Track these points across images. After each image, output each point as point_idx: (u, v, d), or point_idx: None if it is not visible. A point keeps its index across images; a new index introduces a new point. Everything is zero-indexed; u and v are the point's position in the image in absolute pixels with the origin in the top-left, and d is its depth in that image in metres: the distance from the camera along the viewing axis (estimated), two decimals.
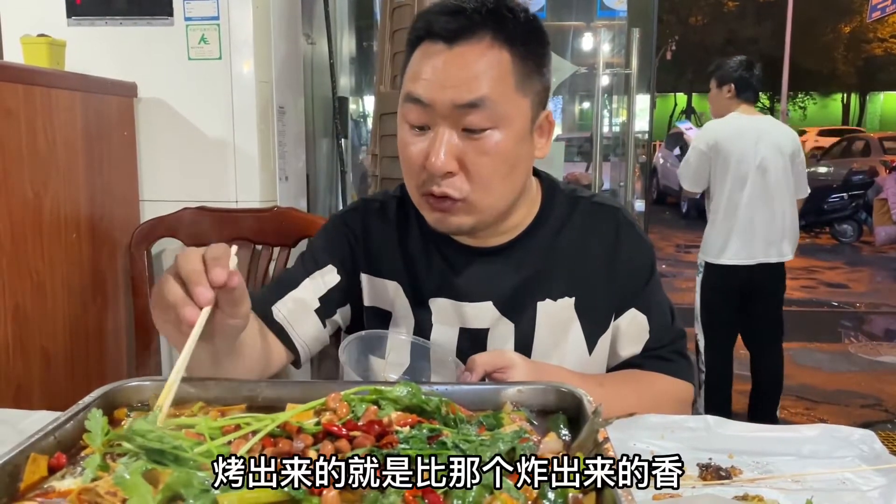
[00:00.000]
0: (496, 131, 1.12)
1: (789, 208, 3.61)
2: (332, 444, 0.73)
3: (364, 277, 1.34)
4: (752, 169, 3.50)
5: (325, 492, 0.65)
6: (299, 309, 1.28)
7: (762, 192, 3.53)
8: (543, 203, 1.30)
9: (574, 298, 1.27)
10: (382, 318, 1.33)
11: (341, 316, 1.35)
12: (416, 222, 1.30)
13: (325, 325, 1.31)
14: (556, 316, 1.27)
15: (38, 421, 1.00)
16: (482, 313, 1.27)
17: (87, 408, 0.84)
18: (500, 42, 1.12)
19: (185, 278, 0.87)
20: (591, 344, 1.29)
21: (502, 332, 1.27)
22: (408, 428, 0.76)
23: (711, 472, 0.93)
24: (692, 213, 13.57)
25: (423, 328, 1.28)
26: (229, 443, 0.74)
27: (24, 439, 0.76)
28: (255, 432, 0.76)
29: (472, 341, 1.26)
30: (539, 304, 1.26)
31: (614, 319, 1.30)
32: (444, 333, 1.28)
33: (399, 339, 1.25)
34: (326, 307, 1.31)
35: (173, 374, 0.85)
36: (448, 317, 1.28)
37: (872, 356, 5.31)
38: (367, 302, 1.34)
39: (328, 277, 1.31)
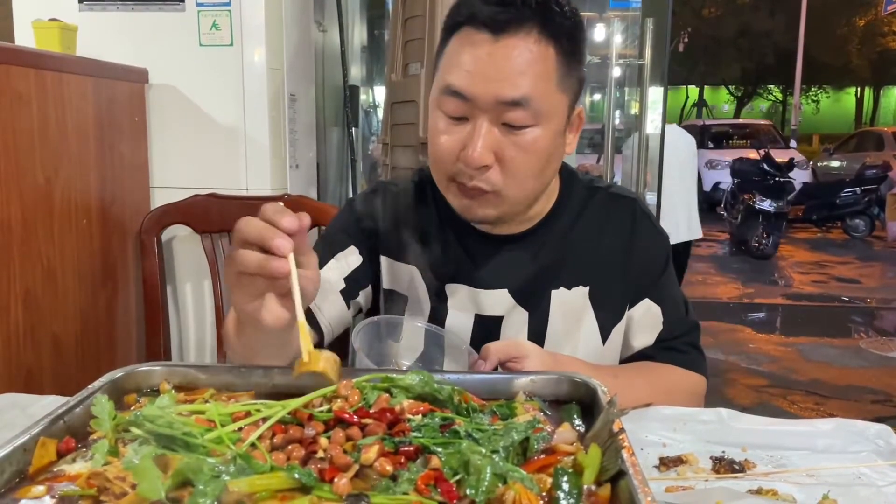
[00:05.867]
0: (536, 128, 1.11)
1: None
2: (344, 431, 0.72)
3: (383, 260, 1.33)
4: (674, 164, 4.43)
5: (336, 479, 0.64)
6: (325, 289, 1.26)
7: (681, 182, 4.73)
8: (561, 192, 1.30)
9: (588, 288, 1.27)
10: (399, 302, 1.32)
11: (363, 298, 1.33)
12: (435, 208, 1.30)
13: (349, 307, 1.30)
14: (570, 305, 1.27)
15: (47, 405, 1.01)
16: (497, 301, 1.26)
17: (96, 393, 0.83)
18: (547, 37, 1.09)
19: (258, 239, 0.82)
20: (605, 334, 1.28)
21: (516, 321, 1.26)
22: (420, 416, 0.75)
23: (725, 466, 0.92)
24: (703, 206, 13.52)
25: (438, 314, 1.28)
26: (240, 429, 0.74)
27: (34, 423, 0.76)
28: (265, 419, 0.75)
29: (487, 328, 1.26)
30: (553, 292, 1.26)
31: (628, 309, 1.29)
32: (459, 320, 1.27)
33: (413, 325, 1.25)
34: (351, 288, 1.30)
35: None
36: (464, 303, 1.27)
37: (883, 352, 5.28)
38: (385, 284, 1.33)
39: (351, 259, 1.30)
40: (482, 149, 1.09)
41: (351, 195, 3.05)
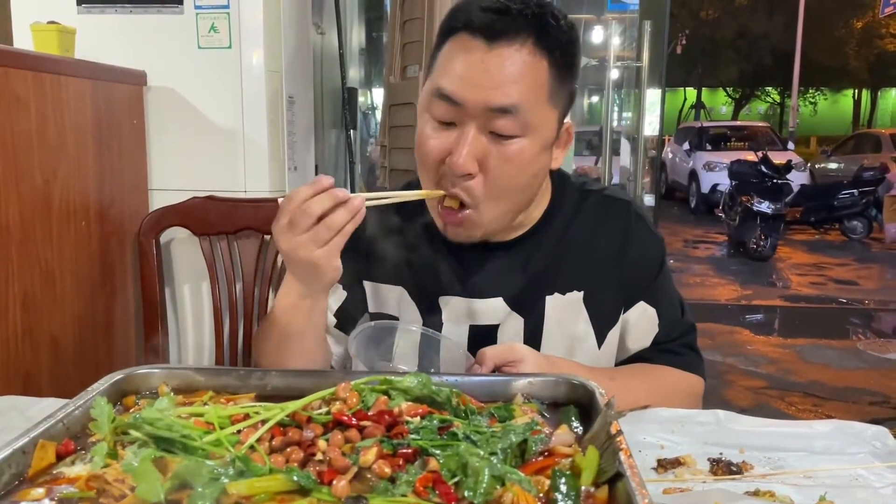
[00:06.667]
0: (523, 139, 1.10)
1: None
2: (342, 433, 0.72)
3: (367, 285, 1.33)
4: None
5: (334, 481, 0.64)
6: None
7: None
8: (554, 197, 1.29)
9: (583, 292, 1.26)
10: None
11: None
12: (423, 221, 1.29)
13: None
14: (565, 310, 1.26)
15: (46, 408, 1.01)
16: (492, 309, 1.26)
17: (95, 395, 0.83)
18: (541, 49, 1.09)
19: (326, 203, 1.01)
20: (601, 337, 1.28)
21: (512, 328, 1.26)
22: (418, 418, 0.75)
23: (722, 467, 0.92)
24: (701, 208, 13.54)
25: (432, 328, 1.26)
26: (238, 432, 0.74)
27: (33, 426, 0.76)
28: (264, 421, 0.75)
29: (482, 338, 1.25)
30: (548, 297, 1.26)
31: (623, 313, 1.29)
32: (453, 332, 1.27)
33: (409, 329, 1.25)
34: (344, 322, 1.31)
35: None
36: (458, 315, 1.27)
37: (881, 353, 5.28)
38: (371, 308, 1.34)
39: (337, 295, 1.31)
40: (467, 156, 1.09)
41: None
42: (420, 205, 1.25)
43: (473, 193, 1.12)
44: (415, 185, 1.33)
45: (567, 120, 1.20)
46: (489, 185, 1.12)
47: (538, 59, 1.09)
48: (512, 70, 1.07)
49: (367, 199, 1.06)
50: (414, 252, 1.29)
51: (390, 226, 1.31)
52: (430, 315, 1.28)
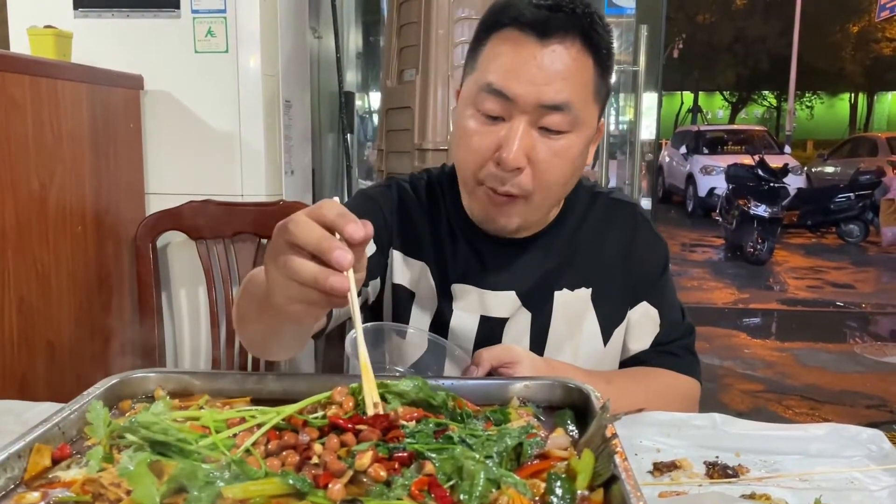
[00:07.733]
0: (571, 135, 1.12)
1: None
2: (338, 437, 0.72)
3: (395, 254, 1.31)
4: None
5: (330, 484, 0.64)
6: None
7: None
8: (567, 197, 1.31)
9: (591, 290, 1.28)
10: (407, 298, 1.31)
11: (371, 289, 1.30)
12: (444, 207, 1.31)
13: (358, 294, 1.28)
14: (573, 306, 1.28)
15: (42, 412, 1.00)
16: (504, 303, 1.27)
17: (91, 399, 0.83)
18: (588, 48, 1.11)
19: (315, 247, 0.72)
20: (606, 336, 1.30)
21: (520, 322, 1.27)
22: (414, 422, 0.75)
23: (718, 471, 0.92)
24: (698, 211, 13.56)
25: (444, 313, 1.28)
26: (234, 435, 0.74)
27: (28, 430, 0.76)
28: (260, 425, 0.75)
29: (491, 330, 1.27)
30: (556, 293, 1.27)
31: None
32: (464, 320, 1.27)
33: (409, 333, 1.25)
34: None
35: (361, 350, 0.79)
36: (470, 304, 1.28)
37: (878, 357, 5.29)
38: (395, 279, 1.32)
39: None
40: (518, 150, 1.09)
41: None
42: (453, 190, 1.28)
43: (523, 185, 1.13)
44: (432, 176, 1.35)
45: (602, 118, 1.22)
46: (537, 178, 1.13)
47: (586, 58, 1.11)
48: (563, 67, 1.09)
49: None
50: (437, 234, 1.30)
51: (420, 204, 1.32)
52: (445, 299, 1.28)
